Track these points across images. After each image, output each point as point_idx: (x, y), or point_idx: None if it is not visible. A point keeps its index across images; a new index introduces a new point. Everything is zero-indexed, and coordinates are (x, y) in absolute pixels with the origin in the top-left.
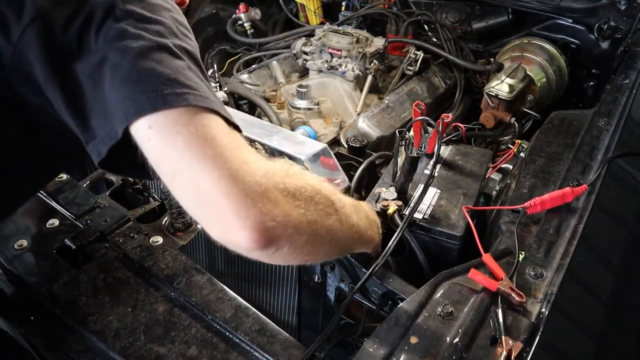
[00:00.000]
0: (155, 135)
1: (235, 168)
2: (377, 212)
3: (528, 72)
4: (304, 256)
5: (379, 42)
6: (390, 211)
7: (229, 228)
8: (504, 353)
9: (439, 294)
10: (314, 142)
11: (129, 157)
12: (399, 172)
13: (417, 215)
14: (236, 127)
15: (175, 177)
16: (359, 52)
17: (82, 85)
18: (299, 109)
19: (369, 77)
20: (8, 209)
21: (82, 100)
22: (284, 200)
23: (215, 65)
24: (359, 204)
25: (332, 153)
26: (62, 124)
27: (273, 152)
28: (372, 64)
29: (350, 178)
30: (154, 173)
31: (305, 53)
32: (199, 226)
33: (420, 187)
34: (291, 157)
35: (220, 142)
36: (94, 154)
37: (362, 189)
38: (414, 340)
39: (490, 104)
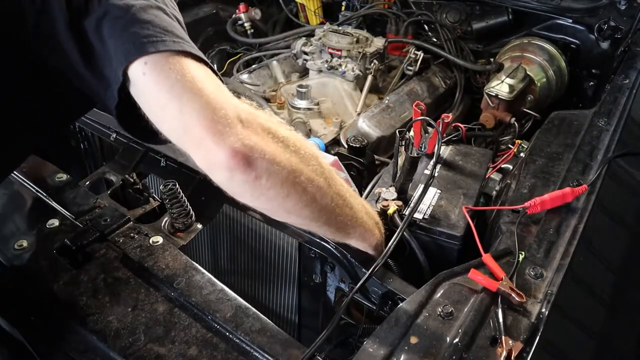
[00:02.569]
0: (150, 70)
1: (220, 99)
2: (377, 212)
3: (528, 72)
4: (285, 198)
5: (379, 42)
6: (390, 211)
7: (211, 149)
8: (504, 353)
9: (439, 294)
10: (324, 154)
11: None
12: (399, 172)
13: (417, 216)
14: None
15: (165, 109)
16: (359, 52)
17: (91, 40)
18: (299, 109)
19: (369, 77)
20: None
21: (95, 54)
22: (263, 132)
23: (215, 65)
24: (357, 195)
25: (342, 166)
26: (75, 88)
27: None
28: (372, 64)
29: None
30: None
31: (305, 53)
32: (198, 226)
33: (420, 187)
34: None
35: (209, 82)
36: (111, 101)
37: None
38: (414, 340)
39: (490, 104)
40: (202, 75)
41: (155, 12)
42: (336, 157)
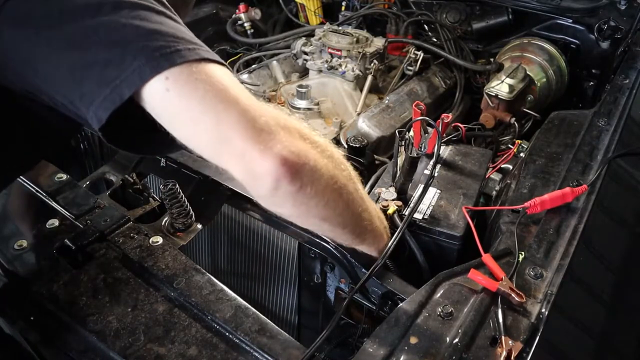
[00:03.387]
0: (173, 85)
1: (256, 106)
2: None
3: (528, 72)
4: (324, 206)
5: (379, 42)
6: (390, 211)
7: (255, 159)
8: (504, 353)
9: (438, 294)
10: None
11: (131, 126)
12: (398, 172)
13: (417, 216)
14: None
15: (198, 123)
16: (359, 52)
17: (71, 51)
18: (299, 109)
19: (369, 77)
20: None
21: (73, 65)
22: (302, 139)
23: None
24: (372, 202)
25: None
26: (49, 108)
27: None
28: (372, 64)
29: None
30: (166, 129)
31: (305, 53)
32: (198, 226)
33: (420, 187)
34: None
35: (236, 86)
36: (94, 121)
37: None
38: (413, 340)
39: (490, 104)
40: (229, 81)
41: (159, 18)
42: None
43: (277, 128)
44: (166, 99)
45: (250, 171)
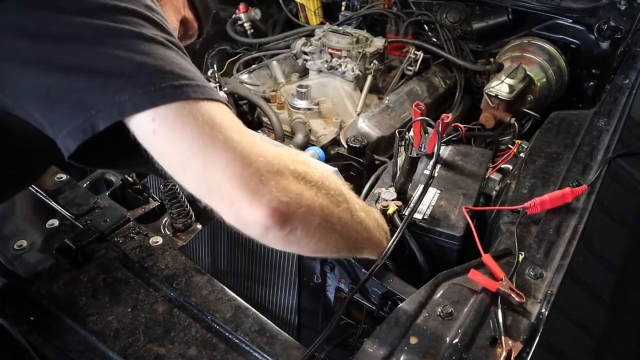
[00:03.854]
0: (160, 127)
1: (247, 150)
2: None
3: (528, 72)
4: (316, 243)
5: (379, 42)
6: (390, 211)
7: (244, 208)
8: (504, 353)
9: (438, 295)
10: (324, 165)
11: (110, 149)
12: (398, 173)
13: (417, 216)
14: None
15: (186, 167)
16: (359, 52)
17: (46, 73)
18: (298, 109)
19: (369, 77)
20: None
21: (47, 88)
22: (295, 180)
23: (215, 65)
24: (369, 208)
25: (341, 176)
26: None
27: None
28: (372, 64)
29: (348, 178)
30: (156, 165)
31: (305, 53)
32: (198, 226)
33: (420, 187)
34: None
35: (227, 127)
36: (63, 149)
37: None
38: (413, 340)
39: (490, 104)
40: (220, 120)
41: (147, 47)
42: (336, 169)
43: (269, 175)
44: (153, 140)
45: (239, 219)
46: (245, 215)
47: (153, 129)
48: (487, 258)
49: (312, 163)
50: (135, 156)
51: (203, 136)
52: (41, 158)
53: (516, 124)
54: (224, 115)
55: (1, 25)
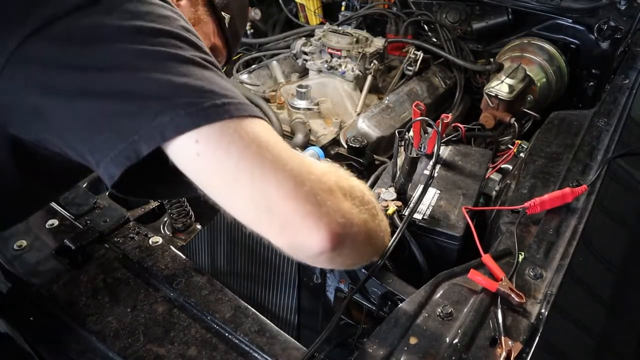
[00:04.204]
0: (204, 149)
1: (298, 168)
2: None
3: (528, 72)
4: (356, 257)
5: (378, 42)
6: (389, 212)
7: (300, 232)
8: (504, 354)
9: (438, 295)
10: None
11: (149, 177)
12: (398, 173)
13: (417, 216)
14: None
15: (232, 190)
16: (359, 52)
17: (86, 100)
18: (298, 109)
19: (369, 77)
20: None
21: (87, 116)
22: (344, 198)
23: None
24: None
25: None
26: (57, 154)
27: None
28: (372, 64)
29: None
30: (196, 189)
31: (305, 53)
32: (198, 226)
33: (420, 187)
34: None
35: (274, 145)
36: (105, 177)
37: None
38: (413, 340)
39: (490, 104)
40: (266, 138)
41: (186, 69)
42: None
43: (324, 195)
44: (197, 163)
45: (293, 243)
46: (302, 239)
47: (197, 151)
48: (486, 258)
49: (350, 177)
50: (175, 184)
51: (250, 156)
52: (66, 185)
53: (516, 124)
54: (268, 132)
55: (37, 58)
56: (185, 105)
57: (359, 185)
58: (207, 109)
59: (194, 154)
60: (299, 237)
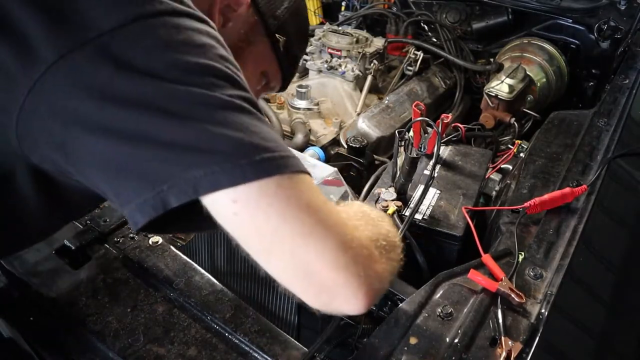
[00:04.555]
0: (242, 210)
1: (342, 233)
2: None
3: (528, 72)
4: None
5: (378, 42)
6: (389, 212)
7: (336, 299)
8: (504, 354)
9: (438, 295)
10: (324, 165)
11: (179, 216)
12: (398, 173)
13: (417, 216)
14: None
15: (271, 254)
16: (359, 52)
17: (111, 142)
18: (298, 109)
19: (369, 77)
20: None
21: (115, 158)
22: (380, 256)
23: None
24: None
25: (343, 180)
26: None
27: None
28: (372, 64)
29: (348, 178)
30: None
31: (305, 53)
32: None
33: (420, 187)
34: None
35: (317, 206)
36: (130, 222)
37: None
38: (413, 340)
39: (490, 104)
40: (308, 198)
41: (222, 116)
42: (336, 169)
43: (366, 262)
44: (234, 222)
45: (328, 308)
46: (337, 305)
47: (234, 210)
48: (486, 258)
49: (378, 220)
50: (206, 222)
51: (291, 220)
52: (89, 206)
53: (516, 124)
54: (311, 191)
55: (60, 88)
56: (221, 161)
57: (389, 230)
58: (244, 167)
59: (231, 213)
60: (335, 304)
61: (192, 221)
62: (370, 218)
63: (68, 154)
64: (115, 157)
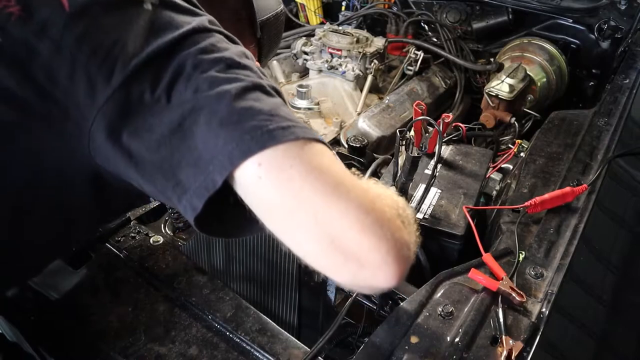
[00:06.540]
0: (266, 172)
1: (362, 195)
2: None
3: (528, 72)
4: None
5: (379, 42)
6: None
7: (366, 266)
8: (505, 353)
9: (439, 294)
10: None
11: (227, 213)
12: (399, 172)
13: (418, 215)
14: None
15: (293, 217)
16: (359, 52)
17: (167, 138)
18: (299, 108)
19: (369, 77)
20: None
21: (167, 153)
22: (403, 226)
23: None
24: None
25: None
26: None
27: None
28: (372, 64)
29: None
30: (259, 220)
31: (306, 53)
32: None
33: (421, 187)
34: None
35: (337, 170)
36: (188, 211)
37: None
38: (414, 340)
39: (491, 103)
40: (328, 164)
41: (254, 95)
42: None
43: (389, 225)
44: (258, 187)
45: (357, 279)
46: (366, 275)
47: (259, 174)
48: (487, 257)
49: (393, 194)
50: (244, 221)
51: (313, 181)
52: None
53: (516, 124)
54: (330, 158)
55: (120, 107)
56: (250, 130)
57: (402, 201)
58: (272, 132)
59: (256, 177)
60: (364, 273)
61: (236, 225)
62: (388, 193)
63: (134, 165)
64: (176, 153)
